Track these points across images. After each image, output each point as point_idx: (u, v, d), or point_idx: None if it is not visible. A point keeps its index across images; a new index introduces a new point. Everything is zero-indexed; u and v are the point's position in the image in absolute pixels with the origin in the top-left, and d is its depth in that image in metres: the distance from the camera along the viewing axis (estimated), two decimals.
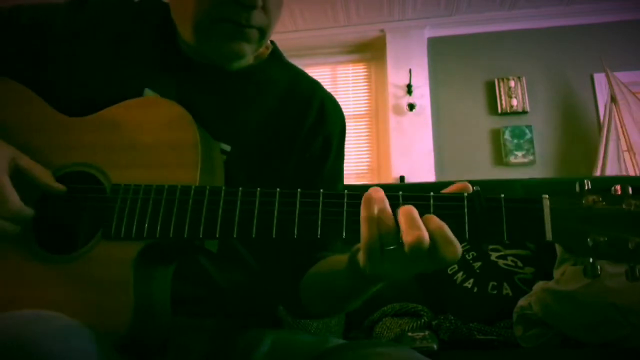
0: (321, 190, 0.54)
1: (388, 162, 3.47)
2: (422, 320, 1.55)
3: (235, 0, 0.64)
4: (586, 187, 0.50)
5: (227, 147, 0.72)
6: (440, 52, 3.61)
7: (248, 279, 0.76)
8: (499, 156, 3.33)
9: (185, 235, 0.57)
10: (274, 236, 0.54)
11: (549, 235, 0.49)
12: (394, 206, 0.50)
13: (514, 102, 3.36)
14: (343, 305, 0.70)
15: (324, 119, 0.79)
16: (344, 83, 3.84)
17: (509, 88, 3.39)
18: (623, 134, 2.97)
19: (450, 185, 0.53)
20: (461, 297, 1.67)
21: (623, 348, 1.22)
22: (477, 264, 1.72)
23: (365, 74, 3.85)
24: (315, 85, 0.84)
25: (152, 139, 0.64)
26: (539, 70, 3.44)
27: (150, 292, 0.60)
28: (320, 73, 3.76)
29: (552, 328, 1.37)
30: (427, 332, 1.47)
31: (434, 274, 1.77)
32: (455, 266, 1.74)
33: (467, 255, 1.76)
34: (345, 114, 0.85)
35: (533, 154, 3.27)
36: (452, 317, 1.56)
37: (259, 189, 0.56)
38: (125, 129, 0.65)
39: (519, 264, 1.71)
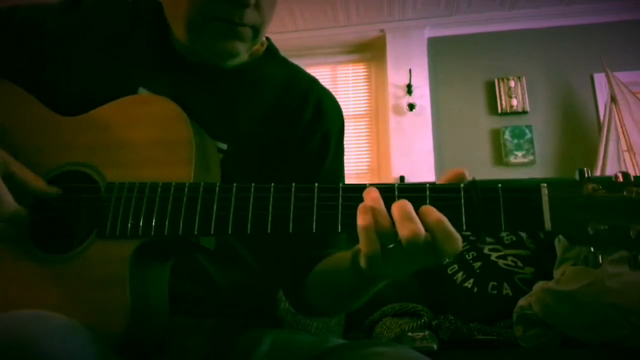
0: (316, 185, 0.54)
1: (388, 162, 3.47)
2: (422, 320, 1.55)
3: None
4: (586, 175, 0.48)
5: (224, 146, 0.72)
6: (440, 52, 3.61)
7: (247, 278, 0.76)
8: (499, 156, 3.33)
9: (180, 233, 0.57)
10: (269, 231, 0.54)
11: (548, 225, 0.48)
12: (391, 199, 0.49)
13: (514, 102, 3.36)
14: (348, 303, 0.69)
15: (321, 116, 0.79)
16: (344, 83, 3.83)
17: (509, 88, 3.39)
18: (623, 134, 2.96)
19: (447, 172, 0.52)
20: (461, 297, 1.67)
21: (623, 348, 1.22)
22: (477, 264, 1.72)
23: (365, 74, 3.85)
24: (312, 82, 0.83)
25: (145, 137, 0.64)
26: (539, 70, 3.43)
27: (147, 291, 0.60)
28: (320, 73, 3.76)
29: (552, 328, 1.37)
30: (427, 332, 1.47)
31: (434, 274, 1.77)
32: (455, 266, 1.74)
33: (467, 255, 1.76)
34: (345, 114, 0.85)
35: (533, 154, 3.26)
36: (452, 317, 1.56)
37: (253, 184, 0.56)
38: (119, 127, 0.65)
39: (519, 264, 1.71)
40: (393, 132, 3.47)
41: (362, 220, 0.48)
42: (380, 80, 3.75)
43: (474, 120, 3.44)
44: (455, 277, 1.72)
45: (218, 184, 0.58)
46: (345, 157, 0.84)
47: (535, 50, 3.47)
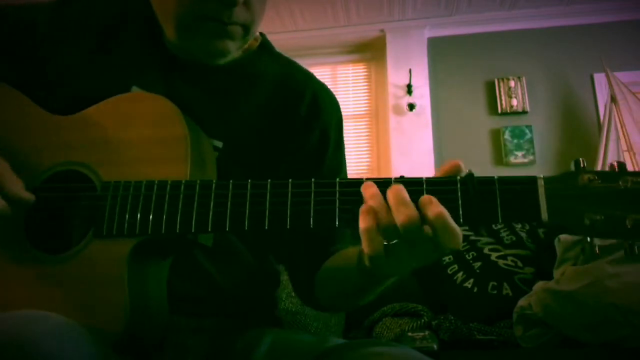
0: (313, 180, 0.54)
1: (388, 162, 3.47)
2: (422, 320, 1.55)
3: None
4: (582, 165, 0.49)
5: (219, 144, 0.72)
6: (440, 52, 3.61)
7: (246, 275, 0.76)
8: (499, 156, 3.33)
9: (178, 230, 0.56)
10: (266, 227, 0.54)
11: (544, 216, 0.48)
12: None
13: (514, 102, 3.36)
14: (357, 301, 0.69)
15: (318, 112, 0.78)
16: (344, 83, 3.83)
17: (509, 88, 3.39)
18: (623, 134, 2.96)
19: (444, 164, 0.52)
20: (461, 297, 1.67)
21: (623, 348, 1.22)
22: (477, 264, 1.72)
23: (365, 74, 3.84)
24: (308, 76, 0.82)
25: (140, 135, 0.63)
26: (539, 70, 3.43)
27: (145, 289, 0.60)
28: (320, 73, 3.76)
29: (552, 328, 1.37)
30: (427, 332, 1.47)
31: (434, 274, 1.77)
32: (455, 266, 1.74)
33: (467, 255, 1.76)
34: (345, 114, 0.84)
35: (533, 154, 3.26)
36: (452, 317, 1.56)
37: (250, 180, 0.56)
38: (113, 126, 0.65)
39: (519, 264, 1.71)
40: (393, 132, 3.46)
41: (363, 222, 0.48)
42: (380, 80, 3.74)
43: (474, 120, 3.44)
44: (455, 277, 1.72)
45: (215, 180, 0.57)
46: (345, 153, 0.84)
47: (535, 50, 3.46)
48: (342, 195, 0.53)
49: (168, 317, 0.64)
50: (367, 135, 3.70)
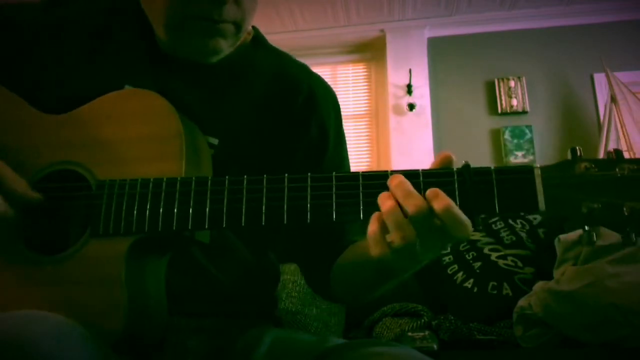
0: (309, 174, 0.54)
1: (388, 162, 3.47)
2: (422, 320, 1.55)
3: None
4: (578, 154, 0.49)
5: (215, 141, 0.71)
6: (440, 52, 3.61)
7: (244, 271, 0.75)
8: (499, 156, 3.33)
9: (174, 228, 0.56)
10: (263, 224, 0.54)
11: (541, 205, 0.48)
12: (384, 187, 0.50)
13: (514, 102, 3.36)
14: (372, 293, 0.69)
15: (315, 105, 0.77)
16: (344, 83, 3.83)
17: (509, 88, 3.39)
18: (623, 134, 2.96)
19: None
20: (461, 297, 1.66)
21: (623, 348, 1.22)
22: (477, 264, 1.72)
23: (365, 74, 3.85)
24: (303, 69, 0.82)
25: (134, 132, 0.63)
26: (539, 70, 3.43)
27: (144, 288, 0.60)
28: (321, 73, 3.69)
29: (552, 328, 1.37)
30: (427, 332, 1.47)
31: (434, 274, 1.77)
32: (455, 266, 1.74)
33: (467, 255, 1.76)
34: (345, 114, 0.83)
35: (533, 154, 3.26)
36: (452, 317, 1.56)
37: (245, 176, 0.56)
38: (107, 124, 0.64)
39: (519, 264, 1.71)
40: (393, 132, 3.47)
41: (372, 225, 0.50)
42: (380, 80, 3.75)
43: (474, 120, 3.44)
44: (455, 277, 1.72)
45: (210, 177, 0.57)
46: (347, 147, 0.83)
47: (535, 50, 3.47)
48: (338, 189, 0.53)
49: (167, 316, 0.63)
50: (367, 135, 3.70)
